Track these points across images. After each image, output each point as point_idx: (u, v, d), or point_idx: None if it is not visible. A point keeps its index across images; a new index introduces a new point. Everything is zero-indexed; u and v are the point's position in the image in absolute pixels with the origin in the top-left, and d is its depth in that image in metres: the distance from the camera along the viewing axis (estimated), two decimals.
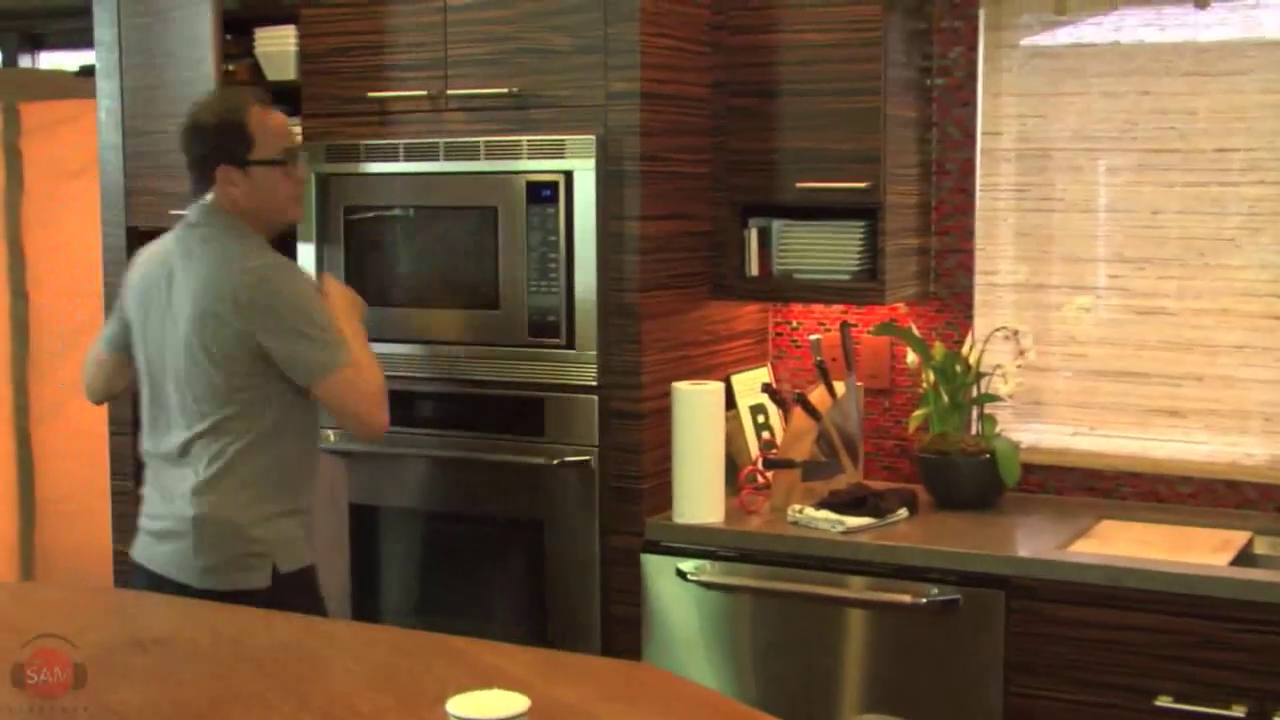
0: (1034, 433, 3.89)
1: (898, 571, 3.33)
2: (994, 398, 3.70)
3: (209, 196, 3.24)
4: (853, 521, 3.44)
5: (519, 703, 2.05)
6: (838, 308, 3.97)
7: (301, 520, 3.27)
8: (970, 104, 3.89)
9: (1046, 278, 3.89)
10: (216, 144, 3.20)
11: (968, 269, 3.93)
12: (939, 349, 3.73)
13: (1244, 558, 3.43)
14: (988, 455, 3.63)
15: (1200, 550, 3.40)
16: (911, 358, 3.80)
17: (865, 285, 3.69)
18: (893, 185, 3.68)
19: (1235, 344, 3.72)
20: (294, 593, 3.15)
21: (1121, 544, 3.46)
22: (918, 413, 3.76)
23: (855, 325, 3.94)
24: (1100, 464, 3.81)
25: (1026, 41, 3.86)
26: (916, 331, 3.84)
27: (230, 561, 3.16)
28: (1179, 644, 3.10)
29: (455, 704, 2.05)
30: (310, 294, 3.22)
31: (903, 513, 3.55)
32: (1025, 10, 3.85)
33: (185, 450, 3.19)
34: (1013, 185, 3.90)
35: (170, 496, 3.22)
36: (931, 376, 3.71)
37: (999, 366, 3.71)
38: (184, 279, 3.19)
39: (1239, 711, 3.05)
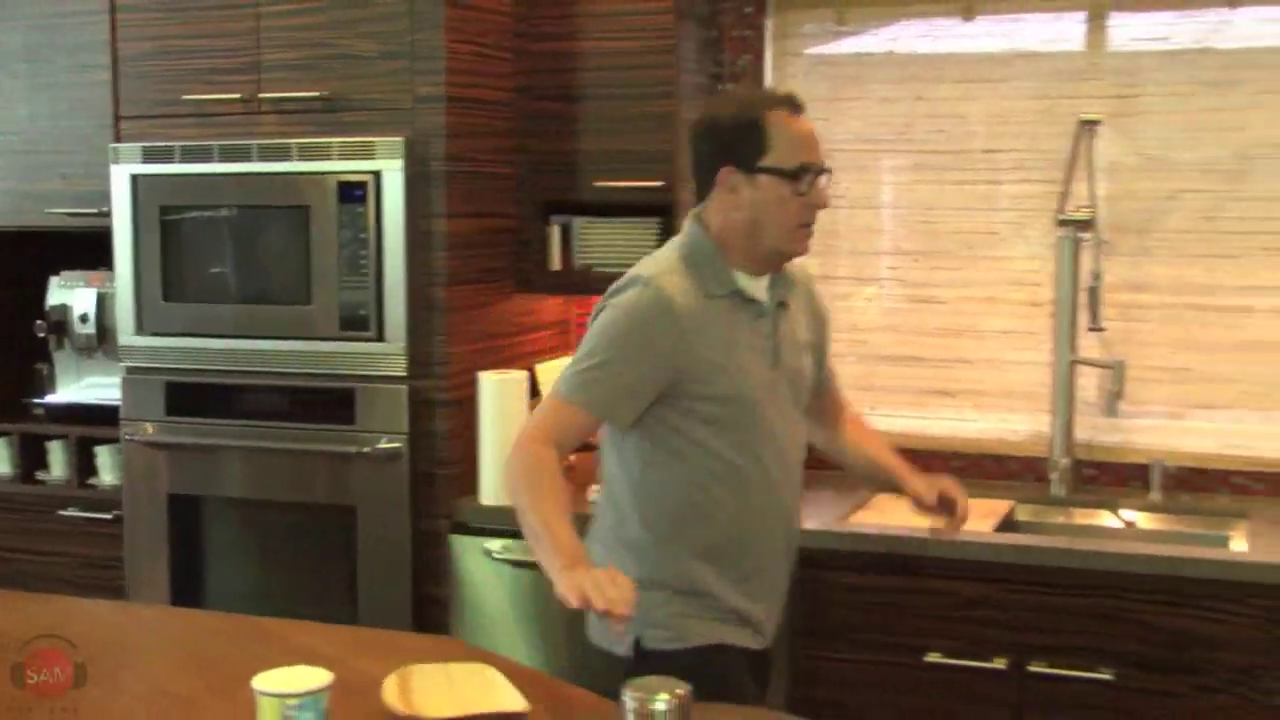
0: None
1: None
2: None
3: (702, 208, 2.69)
4: None
5: (322, 677, 2.08)
6: None
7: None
8: None
9: (833, 269, 4.01)
10: (725, 142, 2.62)
11: None
12: None
13: (1007, 524, 3.60)
14: None
15: (971, 518, 3.53)
16: None
17: None
18: (685, 184, 3.73)
19: (1001, 330, 3.89)
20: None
21: (897, 515, 3.57)
22: None
23: None
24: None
25: (811, 50, 3.98)
26: None
27: None
28: (948, 604, 3.24)
29: (261, 680, 2.06)
30: (620, 330, 2.61)
31: None
32: (809, 21, 3.97)
33: None
34: None
35: None
36: None
37: None
38: None
39: (1000, 664, 3.20)
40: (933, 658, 3.25)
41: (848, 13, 3.92)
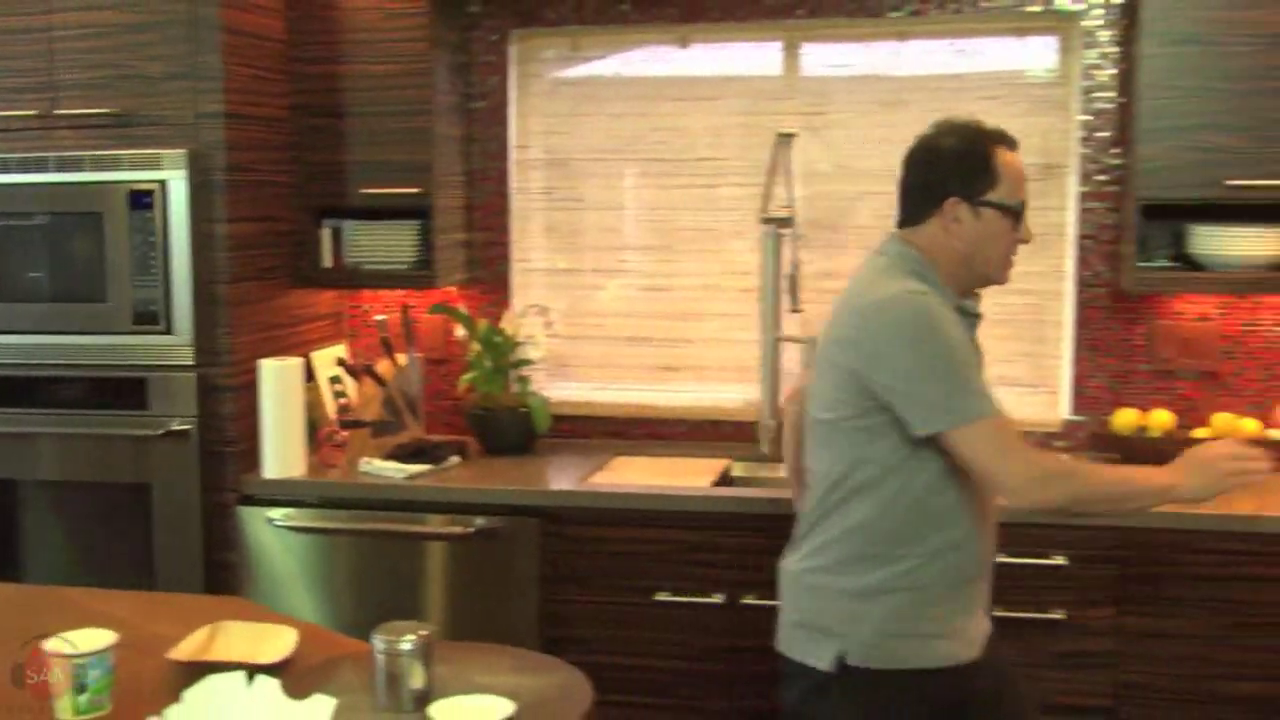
0: (564, 389, 4.08)
1: (452, 508, 3.44)
2: (528, 362, 3.86)
3: (908, 230, 2.49)
4: (413, 469, 3.54)
5: (108, 637, 2.08)
6: (400, 292, 4.06)
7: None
8: (504, 123, 4.03)
9: (573, 263, 4.08)
10: (956, 171, 2.43)
11: (505, 258, 4.08)
12: (483, 324, 3.85)
13: (724, 480, 3.72)
14: (524, 409, 3.80)
15: (691, 476, 3.66)
16: (461, 332, 3.91)
17: (421, 273, 3.80)
18: (442, 190, 3.81)
19: (719, 313, 4.00)
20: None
21: (631, 474, 3.69)
22: (467, 376, 3.88)
23: (414, 306, 4.04)
24: (616, 412, 4.04)
25: (550, 74, 4.04)
26: (465, 310, 3.97)
27: None
28: (674, 550, 3.34)
29: (52, 643, 2.06)
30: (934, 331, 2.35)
31: (455, 459, 3.67)
32: (548, 48, 4.02)
33: None
34: (541, 189, 4.07)
35: None
36: (477, 347, 3.84)
37: (531, 336, 3.89)
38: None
39: (718, 598, 3.32)
40: (661, 596, 3.35)
41: (581, 41, 4.00)
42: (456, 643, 2.26)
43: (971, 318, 2.51)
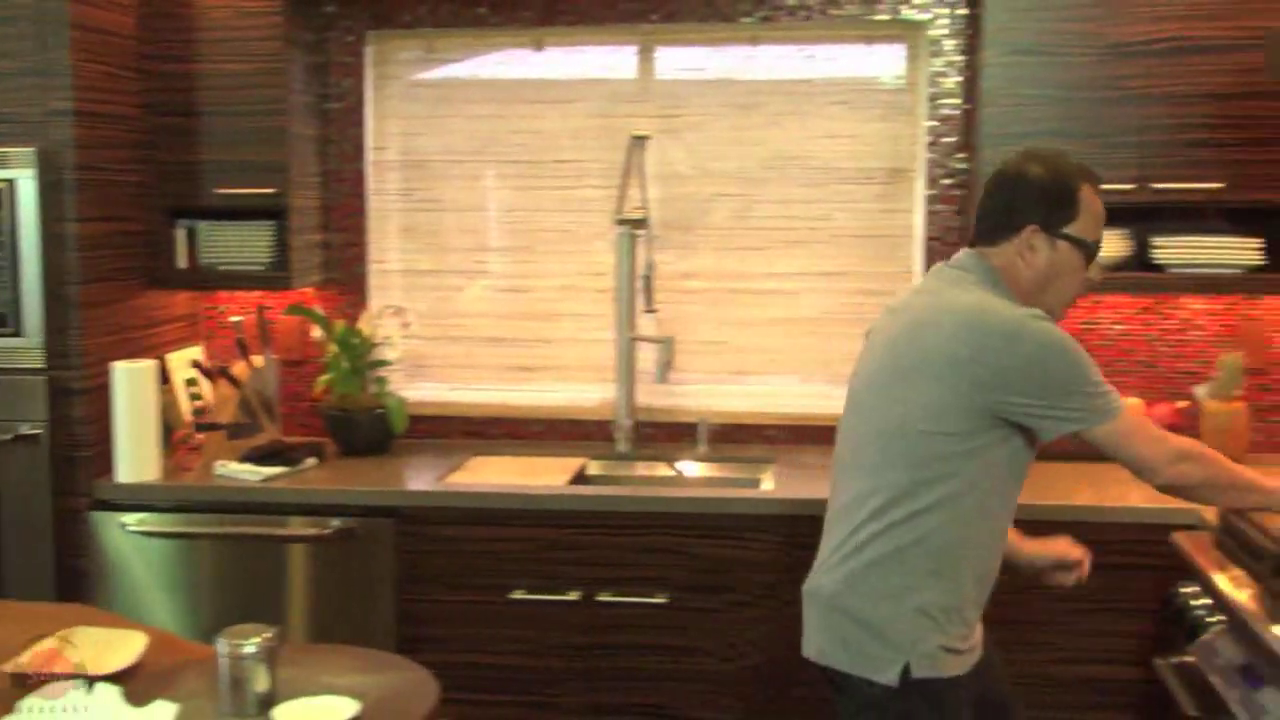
0: (422, 390, 4.10)
1: (309, 509, 3.45)
2: (385, 362, 3.88)
3: (985, 248, 2.48)
4: (269, 471, 3.54)
5: None
6: (255, 293, 4.05)
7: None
8: (361, 124, 4.04)
9: (430, 264, 4.10)
10: (1039, 200, 2.42)
11: (362, 259, 4.09)
12: (340, 325, 3.85)
13: (580, 478, 3.77)
14: (382, 410, 3.81)
15: (548, 475, 3.70)
16: (318, 333, 3.91)
17: (277, 274, 3.80)
18: (298, 191, 3.80)
19: (576, 313, 4.05)
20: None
21: (489, 474, 3.73)
22: (323, 378, 3.88)
23: (270, 308, 4.03)
24: (474, 412, 4.07)
25: (407, 75, 4.05)
26: (321, 311, 3.97)
27: None
28: (530, 548, 3.39)
29: None
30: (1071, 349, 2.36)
31: (312, 461, 3.68)
32: (404, 50, 4.04)
33: None
34: (399, 190, 4.09)
35: None
36: (334, 348, 3.84)
37: (388, 337, 3.91)
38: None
39: (574, 596, 3.37)
40: (517, 594, 3.39)
41: (437, 43, 4.02)
42: (304, 645, 2.29)
43: None
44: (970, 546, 2.39)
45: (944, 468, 2.34)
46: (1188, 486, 2.43)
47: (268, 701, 2.04)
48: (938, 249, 3.85)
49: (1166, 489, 2.42)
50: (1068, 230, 2.41)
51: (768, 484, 3.64)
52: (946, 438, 2.33)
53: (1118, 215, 3.52)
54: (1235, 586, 2.57)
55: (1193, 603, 2.74)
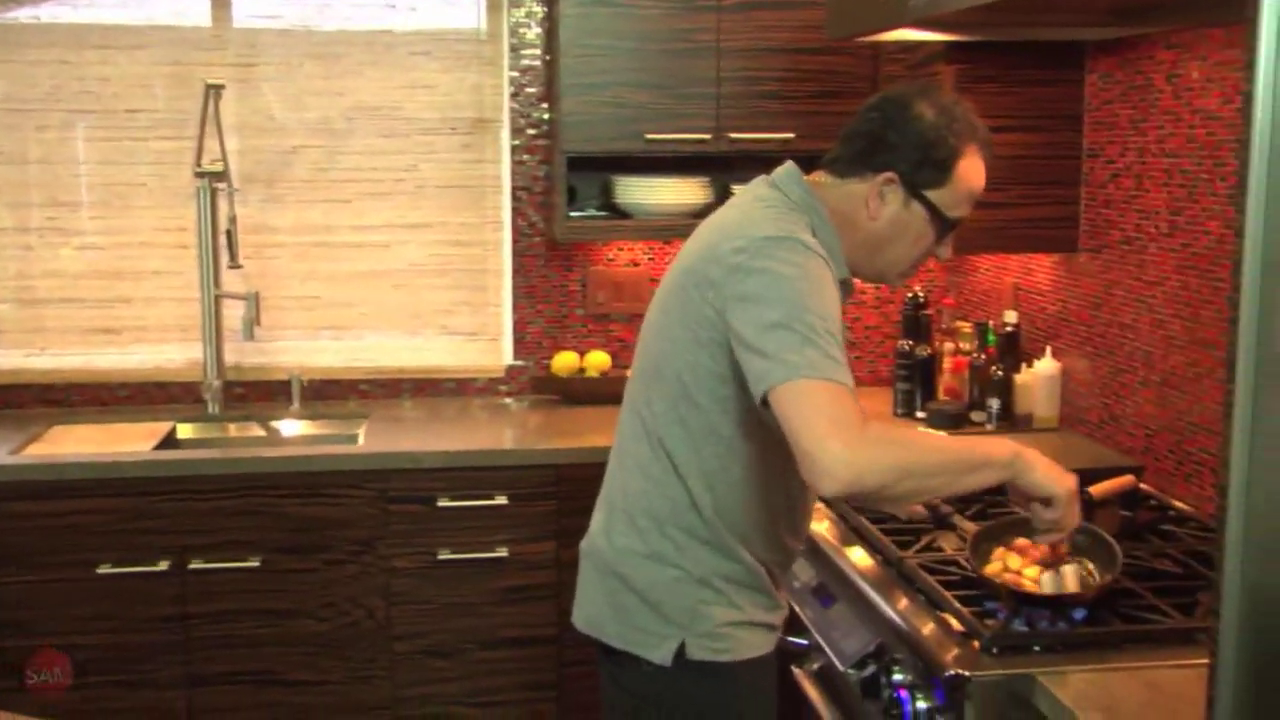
0: None
1: None
2: None
3: (828, 178, 2.16)
4: None
5: None
6: None
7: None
8: None
9: None
10: (913, 148, 2.08)
11: None
12: None
13: (169, 443, 3.71)
14: None
15: (135, 441, 3.63)
16: None
17: None
18: None
19: (155, 270, 3.96)
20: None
21: (70, 444, 3.61)
22: None
23: None
24: (52, 379, 3.92)
25: None
26: None
27: None
28: (115, 519, 3.32)
29: None
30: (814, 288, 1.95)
31: None
32: None
33: None
34: None
35: None
36: None
37: None
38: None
39: (164, 565, 3.33)
40: (103, 569, 3.32)
41: None
42: None
43: (847, 293, 2.16)
44: (756, 509, 2.13)
45: (713, 420, 2.07)
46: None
47: None
48: (524, 199, 3.98)
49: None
50: (930, 195, 2.10)
51: (362, 440, 3.68)
52: (711, 384, 2.06)
53: (697, 164, 3.78)
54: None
55: None
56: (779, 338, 1.86)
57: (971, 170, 2.11)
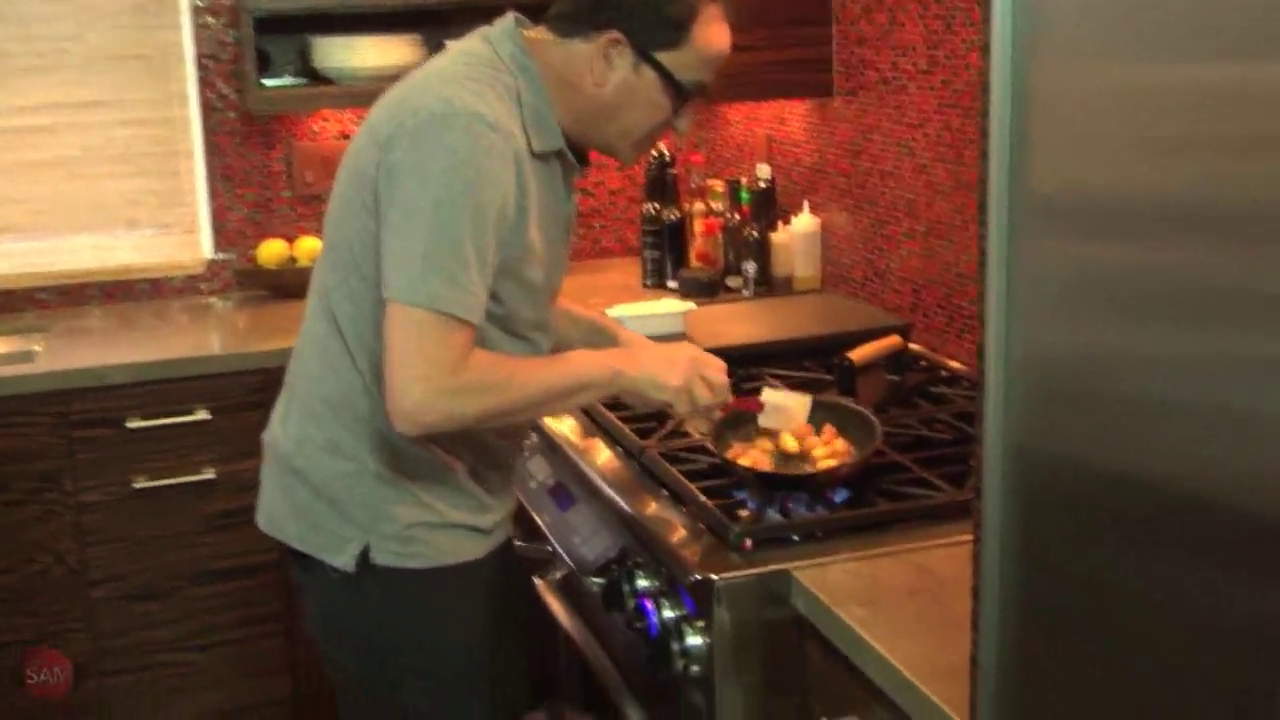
0: None
1: None
2: None
3: (548, 35, 1.97)
4: None
5: None
6: None
7: None
8: None
9: None
10: (638, 5, 1.90)
11: None
12: None
13: None
14: None
15: None
16: None
17: None
18: None
19: None
20: None
21: None
22: None
23: None
24: None
25: None
26: None
27: None
28: None
29: None
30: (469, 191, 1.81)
31: None
32: None
33: None
34: None
35: None
36: None
37: None
38: None
39: None
40: None
41: None
42: None
43: (568, 168, 2.03)
44: None
45: (381, 294, 1.86)
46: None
47: None
48: (211, 68, 3.65)
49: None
50: (663, 58, 1.93)
51: (38, 357, 3.35)
52: (359, 258, 1.93)
53: (408, 20, 3.50)
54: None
55: None
56: (411, 250, 1.79)
57: (711, 29, 1.95)
